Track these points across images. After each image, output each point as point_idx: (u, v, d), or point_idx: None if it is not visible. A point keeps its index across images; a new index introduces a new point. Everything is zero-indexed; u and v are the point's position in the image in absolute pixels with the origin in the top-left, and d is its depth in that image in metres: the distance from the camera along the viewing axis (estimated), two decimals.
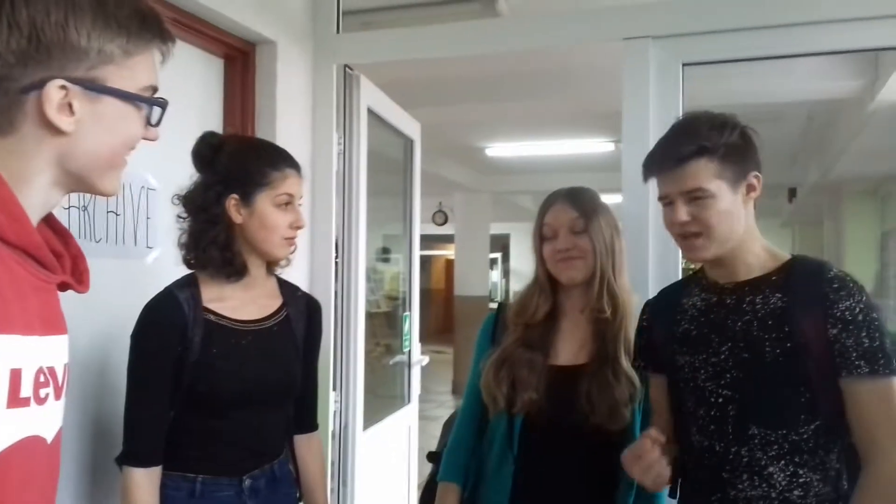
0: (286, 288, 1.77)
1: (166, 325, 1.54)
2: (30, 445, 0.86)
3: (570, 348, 1.71)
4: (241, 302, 1.64)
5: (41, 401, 0.87)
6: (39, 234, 0.92)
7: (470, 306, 9.28)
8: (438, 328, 14.54)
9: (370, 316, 3.03)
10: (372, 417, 2.93)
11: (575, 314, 1.73)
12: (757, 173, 1.44)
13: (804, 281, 1.40)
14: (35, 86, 0.85)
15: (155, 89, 0.98)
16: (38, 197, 0.89)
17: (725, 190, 1.40)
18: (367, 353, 2.87)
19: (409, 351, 3.47)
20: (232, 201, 1.59)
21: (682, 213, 1.42)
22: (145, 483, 1.52)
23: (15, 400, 0.82)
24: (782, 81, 4.25)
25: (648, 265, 2.25)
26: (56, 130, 0.87)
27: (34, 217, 0.89)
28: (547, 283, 1.73)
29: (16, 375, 0.82)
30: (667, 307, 1.58)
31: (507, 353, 1.71)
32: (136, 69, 0.93)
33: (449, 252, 14.18)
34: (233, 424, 1.60)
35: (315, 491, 1.81)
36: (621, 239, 1.73)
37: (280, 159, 1.65)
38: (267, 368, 1.63)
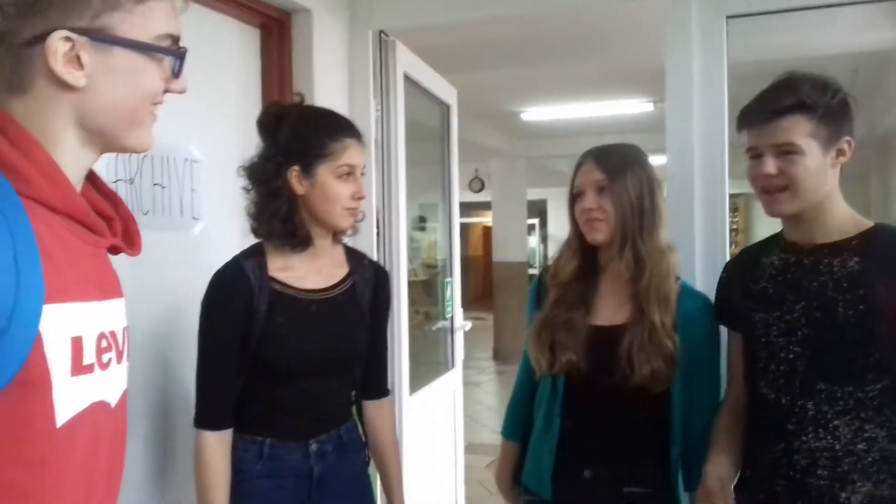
0: (353, 256, 1.77)
1: (233, 294, 1.57)
2: (96, 411, 0.87)
3: (609, 308, 1.70)
4: (307, 271, 1.65)
5: (104, 366, 0.88)
6: (88, 199, 0.91)
7: (508, 273, 9.27)
8: (478, 295, 14.57)
9: (409, 284, 3.04)
10: (417, 383, 2.96)
11: (611, 273, 1.71)
12: (849, 139, 1.45)
13: (884, 247, 1.42)
14: (38, 39, 0.82)
15: (174, 38, 0.92)
16: (71, 159, 0.87)
17: (816, 149, 1.42)
18: (409, 320, 2.88)
19: (452, 317, 3.48)
20: (293, 173, 1.59)
21: (770, 165, 1.43)
22: (216, 445, 1.56)
23: (79, 367, 0.83)
24: (826, 34, 4.11)
25: (695, 225, 2.21)
26: (68, 86, 0.84)
27: (74, 179, 0.88)
28: (577, 242, 1.73)
29: (77, 343, 0.83)
30: (746, 265, 1.62)
31: (547, 316, 1.72)
32: (148, 16, 0.87)
33: (486, 219, 14.13)
34: (297, 392, 1.62)
35: (387, 456, 1.83)
36: (654, 196, 1.67)
37: (340, 129, 1.64)
38: (332, 338, 1.65)
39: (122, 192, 1.75)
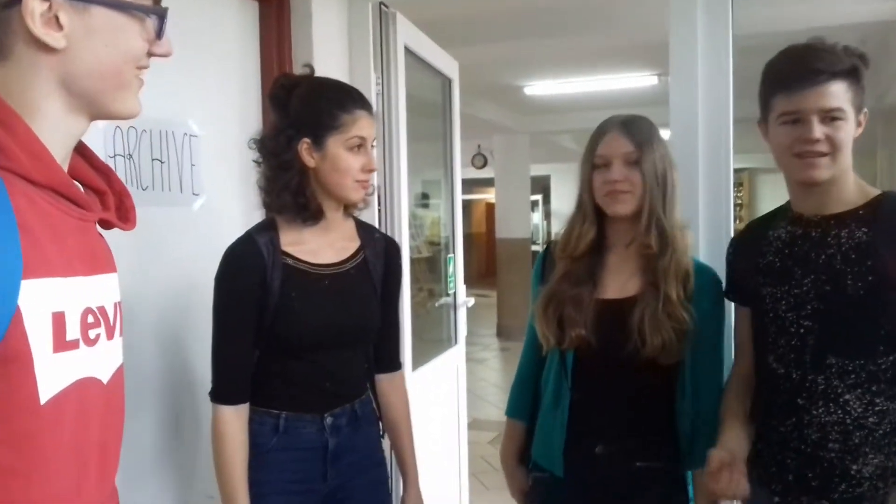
0: (364, 230, 1.77)
1: (246, 268, 1.57)
2: (84, 387, 0.86)
3: (617, 281, 1.66)
4: (319, 245, 1.65)
5: (91, 342, 0.86)
6: (78, 172, 0.90)
7: (512, 249, 9.26)
8: (481, 272, 14.58)
9: (412, 261, 3.04)
10: (420, 359, 2.96)
11: (621, 247, 1.68)
12: (866, 110, 1.45)
13: (891, 216, 1.40)
14: (14, 1, 0.80)
15: None
16: (56, 126, 0.85)
17: (852, 117, 1.41)
18: (410, 297, 2.88)
19: (454, 293, 3.47)
20: (304, 145, 1.58)
21: (818, 130, 1.39)
22: (233, 419, 1.58)
23: (62, 343, 0.82)
24: (833, 4, 4.05)
25: (699, 201, 2.19)
26: (48, 48, 0.82)
27: (60, 149, 0.86)
28: (593, 213, 1.66)
29: (59, 319, 0.81)
30: (752, 239, 1.60)
31: (554, 291, 1.68)
32: None
33: (489, 196, 14.10)
34: (311, 366, 1.63)
35: (400, 429, 1.84)
36: (675, 173, 1.65)
37: (350, 101, 1.62)
38: (344, 311, 1.65)
39: (121, 167, 1.74)
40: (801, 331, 1.45)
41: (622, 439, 1.64)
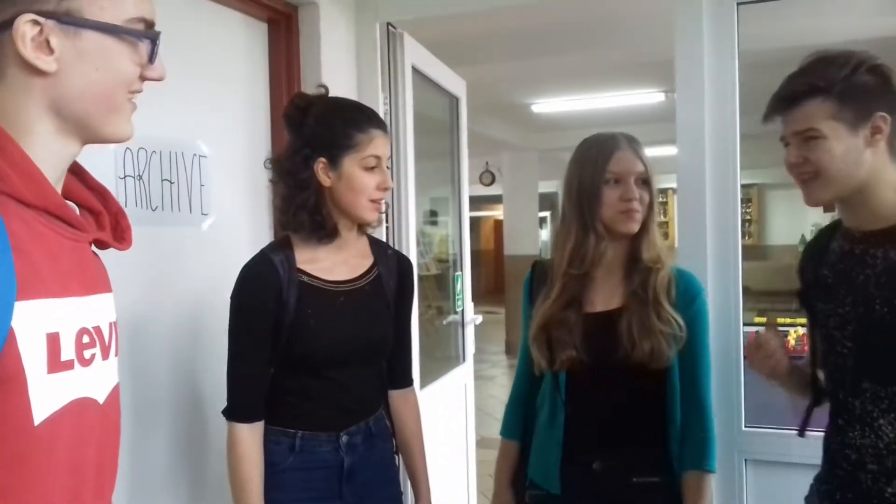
0: (377, 246, 1.78)
1: (263, 287, 1.58)
2: (79, 408, 0.85)
3: (604, 295, 1.70)
4: (334, 263, 1.66)
5: (86, 362, 0.86)
6: (74, 192, 0.90)
7: (520, 266, 9.19)
8: (489, 289, 14.55)
9: (420, 279, 3.03)
10: (428, 377, 2.95)
11: (608, 263, 1.69)
12: (884, 114, 1.34)
13: None
14: (6, 24, 0.81)
15: (148, 22, 0.90)
16: (48, 148, 0.86)
17: (842, 131, 1.33)
18: (419, 315, 2.88)
19: (462, 310, 3.47)
20: (320, 165, 1.60)
21: (793, 154, 1.38)
22: (248, 438, 1.58)
23: (56, 364, 0.81)
24: (841, 19, 4.05)
25: (706, 216, 2.19)
26: (40, 72, 0.83)
27: (53, 171, 0.86)
28: (604, 230, 1.66)
29: (53, 339, 0.81)
30: (818, 249, 1.53)
31: (546, 315, 1.70)
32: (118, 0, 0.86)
33: (497, 213, 14.10)
34: (327, 383, 1.64)
35: (412, 444, 1.84)
36: None
37: (366, 120, 1.64)
38: (360, 328, 1.66)
39: (131, 188, 1.75)
40: (845, 351, 1.41)
41: (618, 452, 1.66)
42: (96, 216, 0.93)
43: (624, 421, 1.67)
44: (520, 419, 1.86)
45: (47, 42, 0.83)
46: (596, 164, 1.66)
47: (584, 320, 1.67)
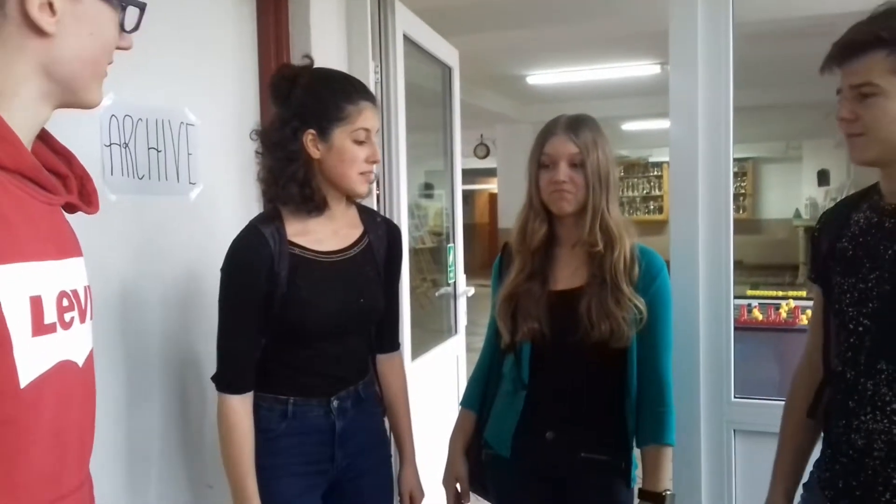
0: (366, 215, 1.79)
1: (254, 260, 1.57)
2: (63, 370, 0.87)
3: (567, 273, 1.75)
4: (324, 234, 1.67)
5: (67, 325, 0.88)
6: (40, 156, 0.91)
7: None
8: (483, 262, 14.55)
9: (415, 252, 3.03)
10: (420, 349, 2.96)
11: (569, 242, 1.76)
12: None
13: None
14: None
15: None
16: (27, 113, 0.87)
17: None
18: (414, 288, 2.88)
19: (454, 282, 3.47)
20: (309, 136, 1.59)
21: (845, 108, 1.28)
22: (239, 407, 1.60)
23: (40, 327, 0.83)
24: None
25: (699, 190, 2.17)
26: (39, 32, 0.85)
27: (27, 134, 0.87)
28: (542, 210, 1.75)
29: (37, 303, 0.82)
30: (837, 220, 1.45)
31: (512, 287, 1.76)
32: None
33: (492, 186, 14.07)
34: (319, 352, 1.66)
35: (397, 407, 1.89)
36: (615, 170, 1.75)
37: (355, 92, 1.63)
38: (352, 298, 1.68)
39: (117, 156, 1.73)
40: (860, 329, 1.33)
41: (571, 428, 1.72)
42: (63, 180, 0.94)
43: (582, 396, 1.72)
44: (480, 392, 1.92)
45: (50, 4, 0.85)
46: (534, 147, 1.75)
47: (548, 297, 1.72)
